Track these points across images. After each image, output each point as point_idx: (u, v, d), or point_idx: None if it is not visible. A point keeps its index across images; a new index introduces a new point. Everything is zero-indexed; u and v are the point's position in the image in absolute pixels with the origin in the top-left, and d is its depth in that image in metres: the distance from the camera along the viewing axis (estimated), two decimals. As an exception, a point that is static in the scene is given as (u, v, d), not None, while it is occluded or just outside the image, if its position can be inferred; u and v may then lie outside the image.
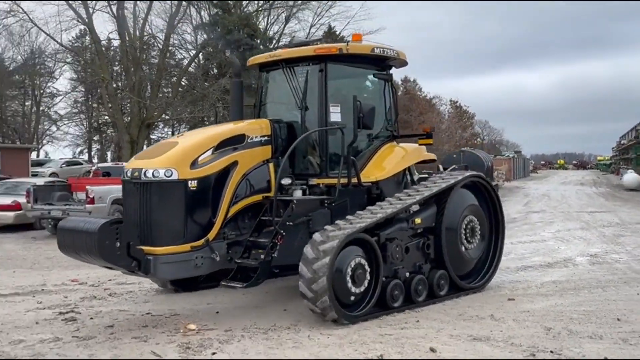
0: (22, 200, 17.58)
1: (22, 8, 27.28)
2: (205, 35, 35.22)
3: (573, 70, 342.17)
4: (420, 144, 9.78)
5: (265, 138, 7.83)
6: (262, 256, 7.23)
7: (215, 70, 39.15)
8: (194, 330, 6.97)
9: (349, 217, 7.56)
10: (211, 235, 7.03)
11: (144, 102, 34.41)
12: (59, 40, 34.89)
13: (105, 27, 61.54)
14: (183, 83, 39.54)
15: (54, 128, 55.37)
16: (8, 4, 32.77)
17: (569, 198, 33.11)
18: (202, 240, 6.89)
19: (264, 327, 7.07)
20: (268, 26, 37.36)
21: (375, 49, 8.67)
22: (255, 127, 7.87)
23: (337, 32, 40.65)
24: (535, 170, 79.84)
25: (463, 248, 8.87)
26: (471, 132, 76.67)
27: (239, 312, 7.98)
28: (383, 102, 9.15)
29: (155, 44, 38.43)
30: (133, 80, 34.19)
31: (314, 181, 8.08)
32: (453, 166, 25.24)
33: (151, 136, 42.98)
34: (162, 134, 51.38)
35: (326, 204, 7.90)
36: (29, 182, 19.35)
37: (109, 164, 23.00)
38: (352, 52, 8.25)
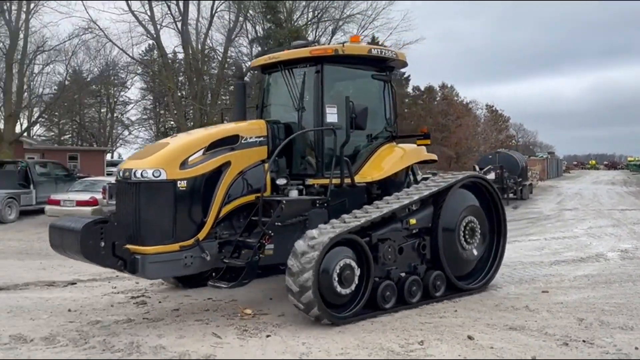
0: (98, 196, 17.96)
1: (98, 25, 27.89)
2: (259, 48, 35.42)
3: (604, 75, 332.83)
4: (418, 145, 9.02)
5: (261, 139, 7.24)
6: (249, 257, 6.62)
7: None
8: (250, 314, 7.01)
9: (344, 216, 7.00)
10: (202, 234, 6.54)
11: (204, 109, 34.83)
12: (131, 54, 35.55)
13: (171, 41, 62.61)
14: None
15: (126, 132, 56.68)
16: (86, 21, 33.62)
17: (600, 197, 32.12)
18: (192, 240, 6.41)
19: (314, 313, 7.01)
20: (316, 38, 37.33)
21: (373, 50, 8.09)
22: (250, 128, 7.32)
23: (380, 43, 40.41)
24: (567, 170, 77.61)
25: (462, 249, 8.13)
26: (506, 134, 74.89)
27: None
28: (382, 103, 8.50)
29: (215, 56, 38.83)
30: (195, 89, 34.64)
31: (309, 182, 7.49)
32: (489, 166, 24.70)
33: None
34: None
35: (318, 204, 7.24)
36: (104, 180, 19.76)
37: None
38: (348, 52, 7.63)
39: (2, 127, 26.52)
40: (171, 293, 8.54)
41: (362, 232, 6.91)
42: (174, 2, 32.46)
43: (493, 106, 74.10)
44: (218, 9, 34.25)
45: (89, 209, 17.92)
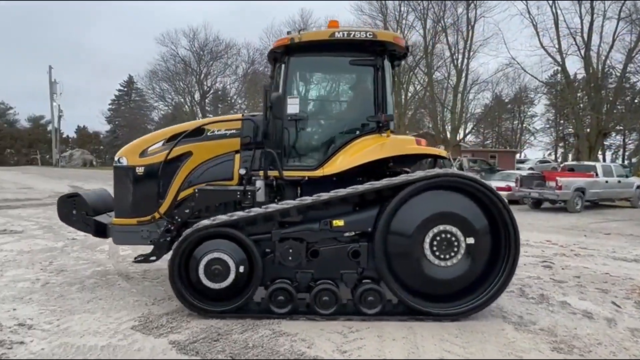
0: (512, 184, 17.61)
1: (516, 61, 27.04)
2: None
3: None
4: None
5: (233, 131, 5.54)
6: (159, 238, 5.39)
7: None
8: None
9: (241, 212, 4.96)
10: (158, 213, 5.45)
11: (601, 117, 29.97)
12: (540, 79, 33.32)
13: (574, 65, 55.59)
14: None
15: (532, 138, 53.76)
16: (507, 59, 32.95)
17: None
18: (149, 217, 5.44)
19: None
20: None
21: (337, 33, 5.21)
22: (221, 123, 5.69)
23: None
24: None
25: (429, 264, 4.81)
26: None
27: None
28: (367, 91, 5.46)
29: (614, 73, 32.94)
30: (593, 101, 30.12)
31: (259, 174, 5.40)
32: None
33: (604, 142, 37.35)
34: (613, 140, 44.25)
35: (239, 195, 5.24)
36: (516, 173, 19.29)
37: (572, 162, 20.94)
38: (305, 40, 5.25)
39: (449, 135, 28.37)
40: (571, 263, 7.85)
41: (265, 227, 4.94)
42: (579, 35, 28.75)
43: None
44: (620, 33, 28.89)
45: (504, 193, 17.73)
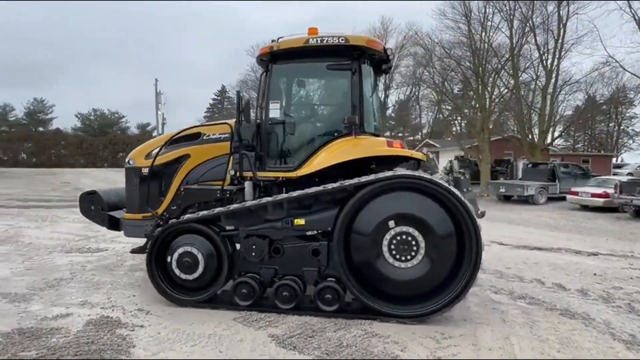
0: (610, 191, 16.06)
1: (614, 59, 24.43)
2: None
3: None
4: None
5: (225, 135, 5.68)
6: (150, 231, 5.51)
7: None
8: None
9: (219, 209, 5.19)
10: (160, 210, 5.69)
11: None
12: (641, 77, 29.92)
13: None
14: None
15: (630, 141, 48.43)
16: (604, 57, 30.08)
17: None
18: (152, 213, 5.64)
19: None
20: None
21: (311, 40, 5.29)
22: (215, 127, 5.88)
23: None
24: None
25: (386, 265, 4.78)
26: None
27: None
28: (343, 96, 5.50)
29: None
30: None
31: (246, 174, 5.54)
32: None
33: None
34: None
35: (218, 194, 5.51)
36: (615, 179, 17.48)
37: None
38: (283, 47, 5.36)
39: (536, 139, 26.46)
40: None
41: (235, 224, 5.23)
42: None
43: None
44: None
45: (601, 200, 16.30)
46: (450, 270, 4.77)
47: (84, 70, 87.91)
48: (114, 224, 6.14)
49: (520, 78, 27.37)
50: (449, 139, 44.47)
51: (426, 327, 4.67)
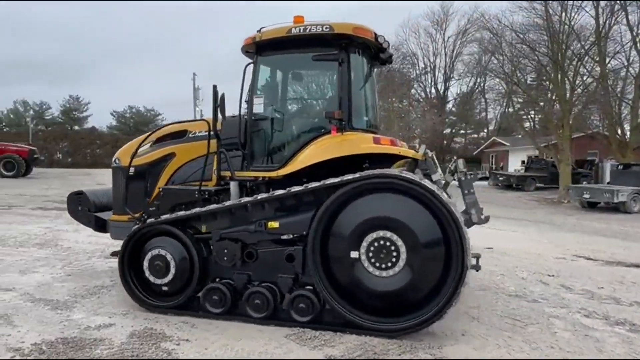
0: None
1: None
2: None
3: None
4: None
5: (212, 133, 5.67)
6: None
7: None
8: None
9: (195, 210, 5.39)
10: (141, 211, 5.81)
11: None
12: None
13: None
14: None
15: None
16: None
17: None
18: (139, 214, 5.70)
19: None
20: None
21: (294, 29, 5.33)
22: (200, 124, 5.98)
23: None
24: None
25: (365, 273, 4.76)
26: None
27: None
28: (331, 87, 5.70)
29: None
30: None
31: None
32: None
33: None
34: None
35: (197, 195, 5.52)
36: None
37: None
38: (265, 38, 5.44)
39: (628, 135, 25.00)
40: None
41: (209, 226, 5.40)
42: None
43: None
44: None
45: None
46: (438, 281, 4.69)
47: (119, 67, 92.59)
48: (100, 226, 6.42)
49: (608, 65, 26.00)
50: (520, 136, 42.95)
51: (503, 352, 4.51)
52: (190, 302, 5.39)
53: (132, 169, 6.01)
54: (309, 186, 4.96)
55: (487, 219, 5.50)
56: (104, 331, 4.86)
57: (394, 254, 4.68)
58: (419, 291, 4.72)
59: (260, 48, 5.57)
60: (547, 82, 28.05)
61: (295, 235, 5.08)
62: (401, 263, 4.67)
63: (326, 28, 5.22)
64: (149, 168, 6.05)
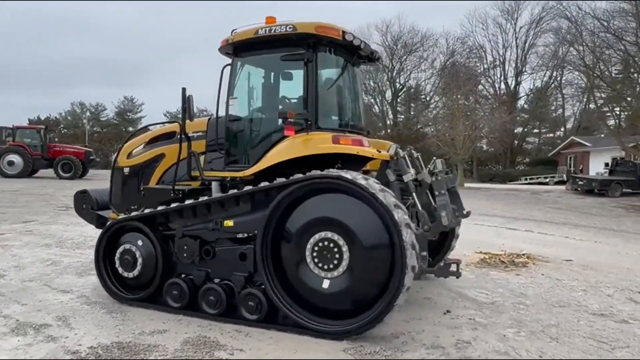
0: None
1: None
2: None
3: None
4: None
5: (200, 133, 6.33)
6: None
7: None
8: None
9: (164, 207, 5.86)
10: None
11: None
12: None
13: None
14: None
15: None
16: None
17: None
18: (114, 213, 6.56)
19: None
20: None
21: (260, 30, 5.65)
22: (191, 125, 6.17)
23: None
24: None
25: (310, 274, 4.99)
26: None
27: None
28: (299, 87, 5.70)
29: None
30: None
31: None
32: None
33: None
34: None
35: (172, 194, 6.00)
36: None
37: None
38: (237, 39, 5.79)
39: None
40: None
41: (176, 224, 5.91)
42: None
43: None
44: None
45: None
46: (384, 284, 4.81)
47: (172, 67, 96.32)
48: (102, 223, 6.89)
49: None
50: (603, 135, 40.78)
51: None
52: (157, 296, 5.82)
53: (126, 169, 6.76)
54: (260, 186, 5.30)
55: (467, 214, 5.99)
56: (157, 337, 5.04)
57: (337, 255, 4.90)
58: (362, 294, 4.92)
59: (236, 49, 5.96)
60: (636, 75, 26.50)
61: (249, 234, 5.51)
62: (344, 264, 4.88)
63: (289, 28, 5.52)
64: (142, 168, 6.71)
